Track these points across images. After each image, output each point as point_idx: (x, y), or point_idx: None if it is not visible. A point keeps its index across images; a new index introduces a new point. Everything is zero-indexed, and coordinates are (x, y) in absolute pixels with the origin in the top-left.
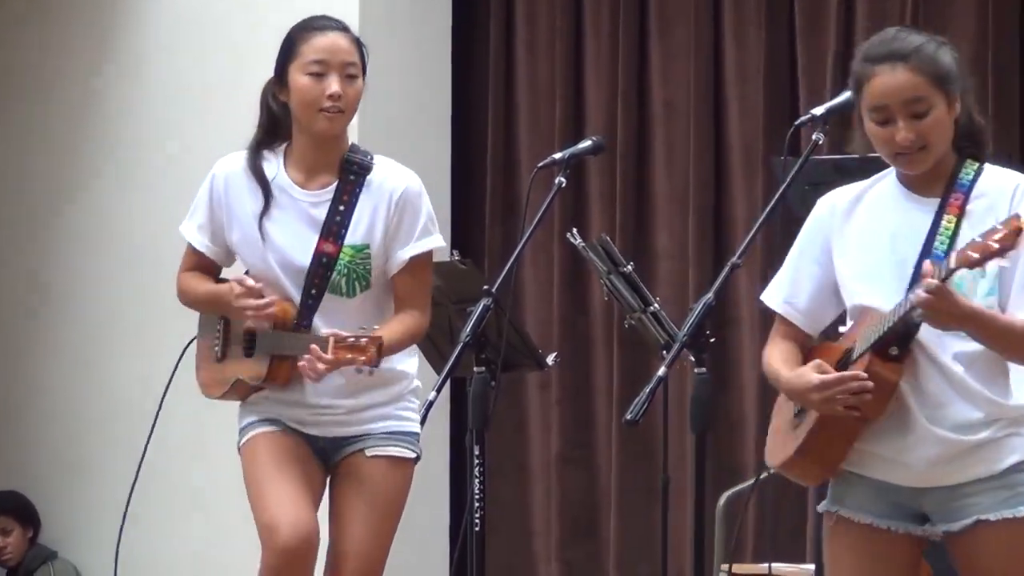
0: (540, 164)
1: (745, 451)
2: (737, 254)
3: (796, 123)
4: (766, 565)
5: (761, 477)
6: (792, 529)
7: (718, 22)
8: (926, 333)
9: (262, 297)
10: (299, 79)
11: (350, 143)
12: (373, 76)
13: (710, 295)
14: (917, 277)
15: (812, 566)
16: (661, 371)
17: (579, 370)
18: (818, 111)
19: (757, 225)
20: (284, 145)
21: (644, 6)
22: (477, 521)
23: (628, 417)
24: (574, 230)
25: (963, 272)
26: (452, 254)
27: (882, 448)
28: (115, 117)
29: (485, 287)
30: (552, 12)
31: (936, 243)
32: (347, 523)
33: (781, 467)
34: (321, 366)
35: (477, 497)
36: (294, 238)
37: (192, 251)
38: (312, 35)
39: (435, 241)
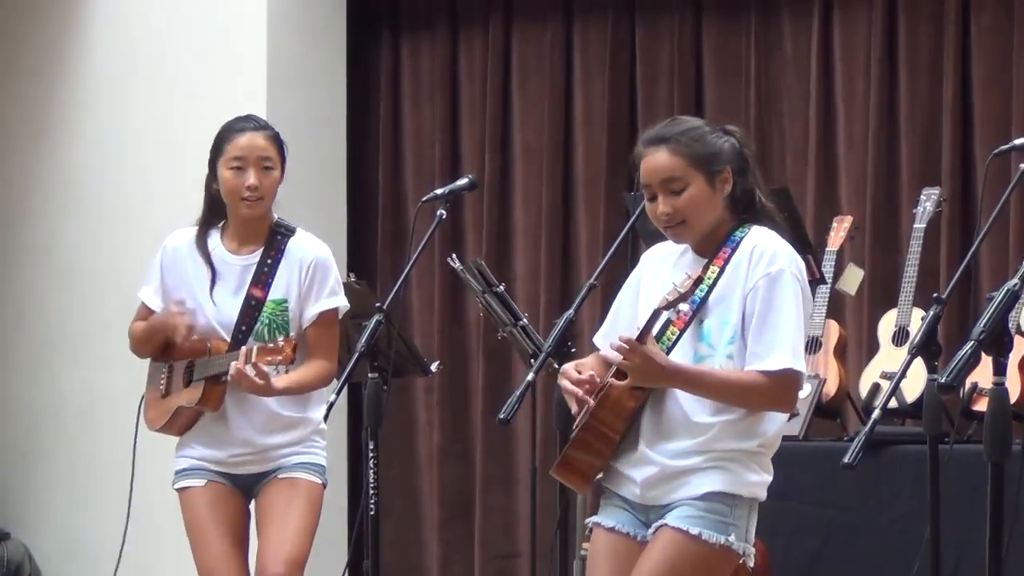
0: (424, 198)
1: None
2: (593, 276)
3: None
4: None
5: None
6: None
7: (569, 74)
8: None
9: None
10: (224, 173)
11: (276, 217)
12: (280, 127)
13: (571, 311)
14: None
15: None
16: (530, 376)
17: (456, 375)
18: None
19: (611, 251)
20: (222, 222)
21: (507, 62)
22: (372, 506)
23: (501, 416)
24: (453, 255)
25: (709, 323)
26: (349, 276)
27: (622, 462)
28: (63, 144)
29: (377, 304)
30: (432, 68)
31: (697, 290)
32: (270, 520)
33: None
34: (249, 369)
35: (372, 485)
36: (230, 299)
37: (145, 309)
38: (234, 135)
39: (340, 301)
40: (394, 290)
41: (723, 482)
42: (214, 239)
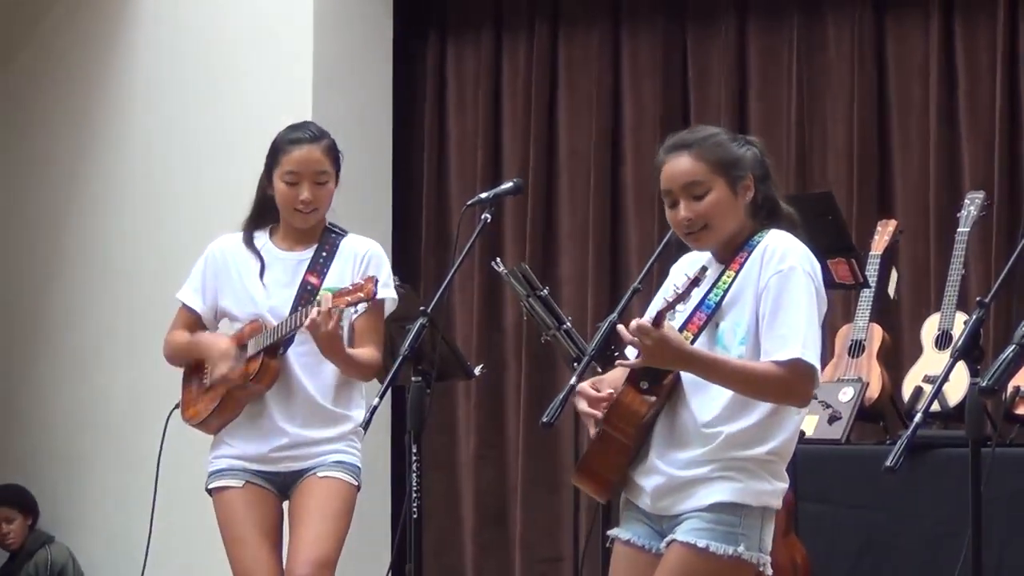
0: (468, 203)
1: None
2: (638, 280)
3: None
4: None
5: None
6: None
7: (617, 76)
8: (687, 375)
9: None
10: (279, 184)
11: (328, 222)
12: (326, 126)
13: (615, 315)
14: (687, 322)
15: None
16: (573, 380)
17: (493, 379)
18: None
19: (654, 256)
20: (271, 225)
21: (554, 65)
22: (415, 510)
23: (544, 420)
24: (498, 259)
25: (724, 326)
26: (394, 279)
27: (637, 471)
28: (110, 147)
29: (421, 308)
30: (477, 70)
31: (711, 294)
32: (302, 521)
33: (575, 482)
34: (325, 311)
35: (415, 489)
36: (284, 291)
37: (184, 311)
38: (289, 148)
39: (391, 293)
40: (438, 293)
41: (731, 492)
42: (262, 238)
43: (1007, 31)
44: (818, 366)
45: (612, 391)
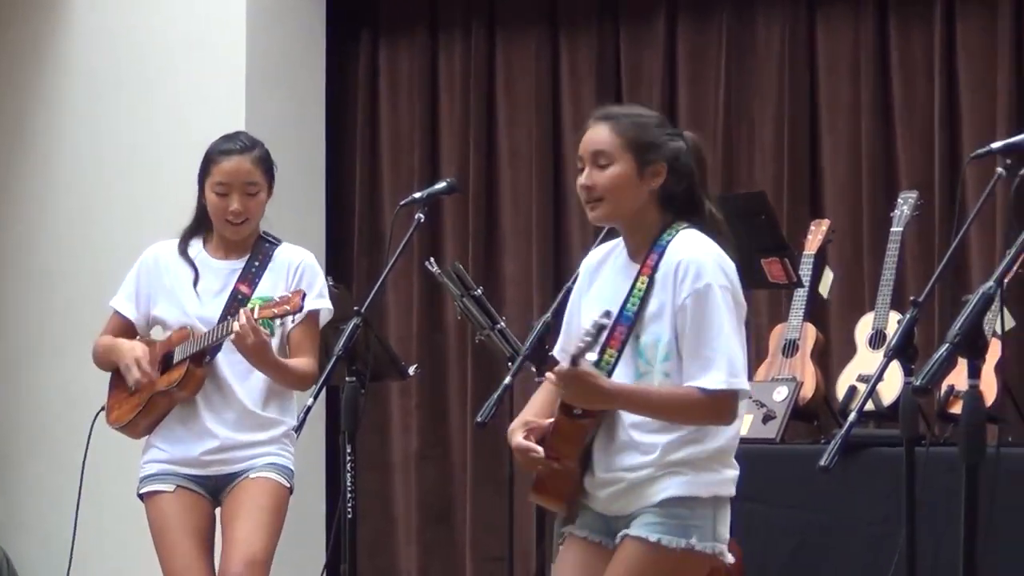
0: (402, 202)
1: None
2: (572, 280)
3: None
4: None
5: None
6: None
7: (556, 77)
8: None
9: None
10: (209, 195)
11: (262, 231)
12: (259, 129)
13: (548, 315)
14: (608, 338)
15: None
16: (507, 380)
17: (435, 379)
18: None
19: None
20: (205, 234)
21: (492, 67)
22: (350, 510)
23: (479, 419)
24: (431, 259)
25: (645, 339)
26: (327, 279)
27: (587, 483)
28: (42, 149)
29: (355, 308)
30: (411, 71)
31: (628, 304)
32: (233, 520)
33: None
34: (250, 326)
35: (349, 489)
36: (214, 299)
37: (117, 318)
38: (219, 159)
39: (325, 303)
40: (371, 294)
41: (679, 487)
42: (195, 247)
43: (944, 28)
44: (744, 385)
45: (537, 424)
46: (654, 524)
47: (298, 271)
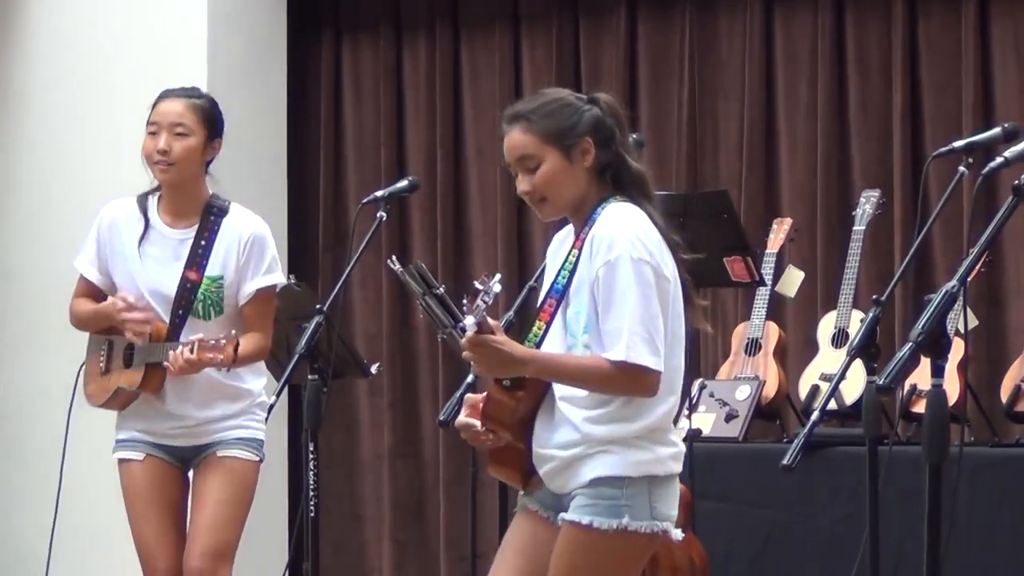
0: (364, 201)
1: None
2: (533, 278)
3: None
4: None
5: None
6: None
7: (518, 76)
8: None
9: (137, 310)
10: (145, 139)
11: (211, 193)
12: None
13: (511, 313)
14: (539, 310)
15: None
16: (469, 378)
17: (407, 377)
18: None
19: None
20: (159, 192)
21: (457, 65)
22: (312, 508)
23: (441, 418)
24: (393, 257)
25: (571, 312)
26: (289, 277)
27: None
28: (2, 155)
29: (317, 306)
30: (375, 70)
31: (559, 276)
32: (201, 505)
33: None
34: (183, 363)
35: (311, 487)
36: (163, 269)
37: (83, 281)
38: (158, 101)
39: (277, 278)
40: (334, 292)
41: (608, 466)
42: (152, 205)
43: (906, 27)
44: (646, 361)
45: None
46: (586, 507)
47: (247, 247)
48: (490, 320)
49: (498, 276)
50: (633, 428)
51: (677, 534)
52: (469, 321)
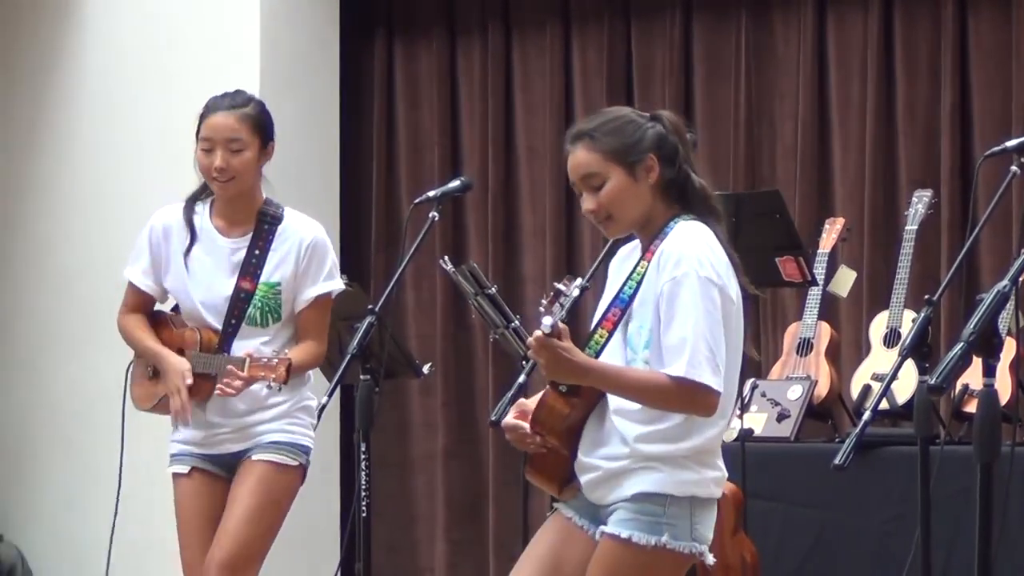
0: (416, 201)
1: None
2: (586, 277)
3: None
4: None
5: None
6: None
7: (568, 77)
8: None
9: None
10: (198, 153)
11: (265, 197)
12: (276, 127)
13: (563, 313)
14: (602, 319)
15: None
16: (521, 379)
17: (462, 377)
18: None
19: (600, 257)
20: (211, 197)
21: (508, 66)
22: (364, 508)
23: (493, 419)
24: (445, 257)
25: (633, 326)
26: (342, 277)
27: (576, 471)
28: (58, 147)
29: (370, 306)
30: (429, 71)
31: (625, 287)
32: (228, 512)
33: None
34: (238, 383)
35: (364, 487)
36: (216, 278)
37: (133, 290)
38: (206, 116)
39: (337, 284)
40: (386, 292)
41: (653, 483)
42: (202, 213)
43: (956, 27)
44: (707, 380)
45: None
46: (628, 520)
47: (307, 253)
48: (560, 324)
49: (579, 280)
50: (682, 447)
51: (710, 559)
52: (547, 322)
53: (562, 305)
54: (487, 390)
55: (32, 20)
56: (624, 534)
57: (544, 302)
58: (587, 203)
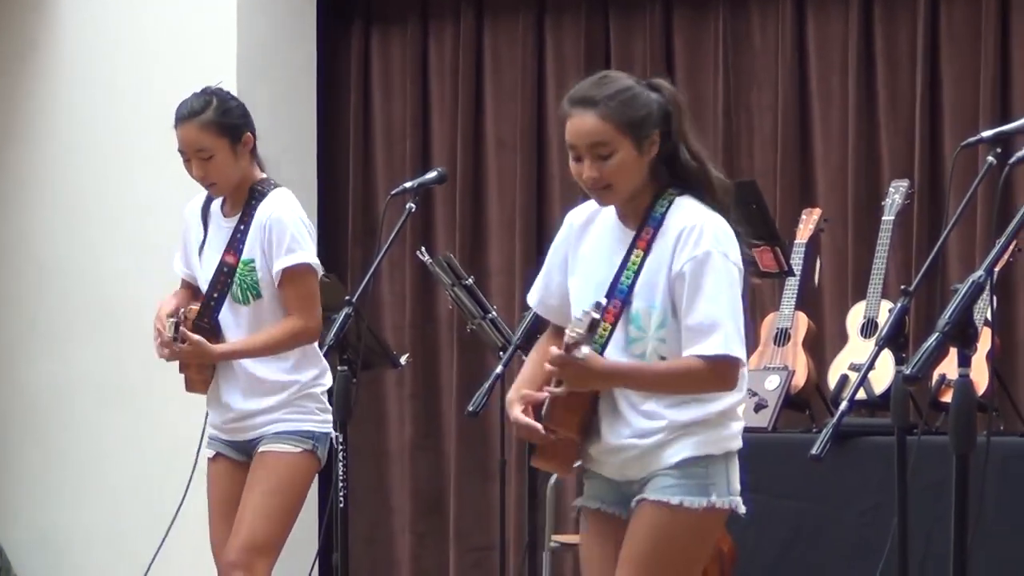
0: (393, 192)
1: None
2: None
3: None
4: None
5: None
6: None
7: (541, 68)
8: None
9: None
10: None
11: (262, 177)
12: (253, 117)
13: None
14: (602, 315)
15: None
16: (499, 369)
17: (427, 369)
18: None
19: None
20: None
21: (479, 56)
22: (342, 499)
23: (470, 409)
24: (423, 248)
25: (637, 306)
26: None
27: (593, 450)
28: (35, 140)
29: (347, 298)
30: (403, 60)
31: (623, 278)
32: (243, 501)
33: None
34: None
35: (341, 478)
36: (213, 257)
37: (182, 278)
38: (176, 126)
39: (300, 257)
40: (363, 283)
41: (694, 447)
42: (217, 200)
43: (928, 19)
44: (742, 354)
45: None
46: (674, 486)
47: (267, 231)
48: (573, 333)
49: (601, 303)
50: (712, 411)
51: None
52: (584, 351)
53: (591, 337)
54: (452, 383)
55: (6, 9)
56: (675, 500)
57: (579, 331)
58: (589, 170)
